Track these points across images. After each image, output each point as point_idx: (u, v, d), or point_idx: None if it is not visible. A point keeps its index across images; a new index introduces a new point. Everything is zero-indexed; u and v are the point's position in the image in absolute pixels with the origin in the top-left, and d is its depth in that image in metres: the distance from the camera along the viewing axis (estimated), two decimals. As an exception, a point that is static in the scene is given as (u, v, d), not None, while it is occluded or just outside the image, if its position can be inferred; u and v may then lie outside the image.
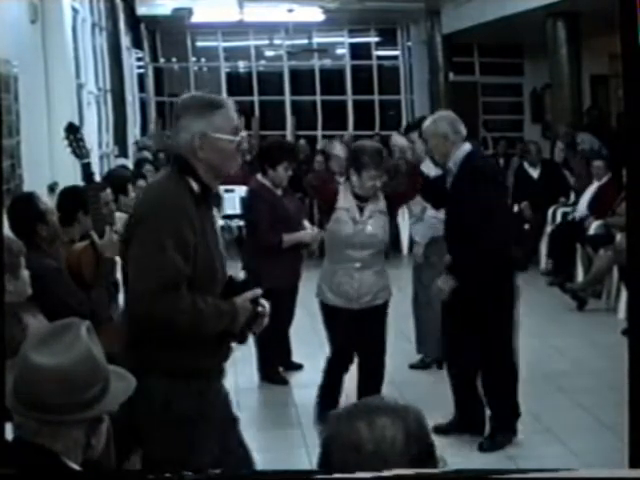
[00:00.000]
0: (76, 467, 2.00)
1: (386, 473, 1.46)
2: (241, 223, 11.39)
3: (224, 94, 16.25)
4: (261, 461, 4.64)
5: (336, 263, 4.96)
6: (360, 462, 1.47)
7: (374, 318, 4.94)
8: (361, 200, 4.91)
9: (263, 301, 3.05)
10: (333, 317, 4.98)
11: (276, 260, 5.65)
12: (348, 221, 4.90)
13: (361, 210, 4.92)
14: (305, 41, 16.31)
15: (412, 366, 6.33)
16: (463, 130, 4.96)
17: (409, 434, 1.50)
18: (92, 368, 2.01)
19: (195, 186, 2.92)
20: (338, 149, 9.77)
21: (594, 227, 8.53)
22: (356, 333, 4.93)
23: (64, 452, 1.97)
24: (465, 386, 4.93)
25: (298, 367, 6.32)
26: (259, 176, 6.17)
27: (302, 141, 14.53)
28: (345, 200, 4.94)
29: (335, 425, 1.54)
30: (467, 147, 4.92)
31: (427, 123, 5.05)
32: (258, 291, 3.01)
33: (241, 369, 6.27)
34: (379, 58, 16.51)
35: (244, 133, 13.31)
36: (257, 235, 5.96)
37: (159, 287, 2.79)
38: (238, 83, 16.53)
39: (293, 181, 7.26)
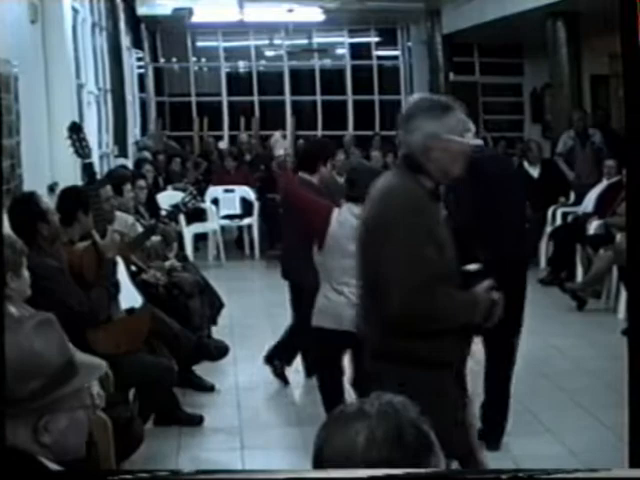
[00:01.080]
0: (53, 465, 1.97)
1: (382, 471, 1.46)
2: (241, 223, 11.41)
3: (224, 94, 16.28)
4: (261, 460, 4.66)
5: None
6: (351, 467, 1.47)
7: None
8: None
9: (495, 292, 3.10)
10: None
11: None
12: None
13: None
14: (305, 41, 16.30)
15: None
16: (471, 127, 5.07)
17: (401, 436, 1.49)
18: (31, 362, 1.96)
19: (428, 184, 3.01)
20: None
21: (594, 227, 8.53)
22: None
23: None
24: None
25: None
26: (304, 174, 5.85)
27: (302, 141, 14.54)
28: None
29: (327, 430, 1.54)
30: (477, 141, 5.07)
31: None
32: (491, 281, 3.08)
33: (241, 369, 6.28)
34: (379, 58, 16.50)
35: (244, 133, 13.28)
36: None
37: (420, 283, 2.87)
38: (238, 83, 16.52)
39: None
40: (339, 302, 4.54)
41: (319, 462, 1.53)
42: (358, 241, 3.13)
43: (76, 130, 4.73)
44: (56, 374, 1.98)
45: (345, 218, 4.64)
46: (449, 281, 2.98)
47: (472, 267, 3.11)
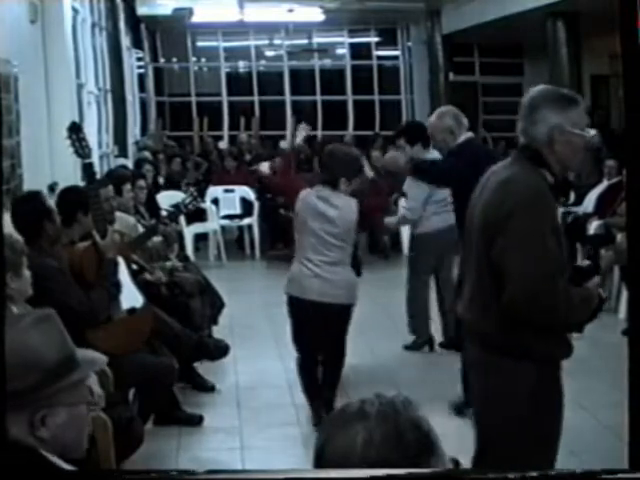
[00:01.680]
0: (63, 464, 1.98)
1: (382, 471, 1.46)
2: (241, 223, 11.41)
3: (224, 94, 16.28)
4: (261, 460, 4.66)
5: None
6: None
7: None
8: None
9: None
10: (351, 316, 5.16)
11: None
12: None
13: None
14: (305, 41, 16.31)
15: (406, 347, 6.63)
16: (466, 122, 5.34)
17: (401, 436, 1.49)
18: (25, 358, 1.97)
19: (548, 176, 3.01)
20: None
21: (594, 227, 8.52)
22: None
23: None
24: None
25: None
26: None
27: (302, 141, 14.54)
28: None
29: (327, 431, 1.54)
30: (467, 136, 5.30)
31: (432, 119, 5.36)
32: (599, 278, 3.11)
33: (241, 369, 6.28)
34: (379, 58, 16.52)
35: (244, 133, 13.27)
36: None
37: (543, 276, 2.86)
38: (238, 83, 16.53)
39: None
40: (303, 274, 4.96)
41: (319, 462, 1.53)
42: (471, 231, 3.09)
43: (76, 130, 4.73)
44: (53, 369, 1.99)
45: (310, 199, 4.95)
46: (561, 276, 2.97)
47: (584, 263, 3.15)
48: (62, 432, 1.99)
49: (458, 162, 5.15)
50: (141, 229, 5.94)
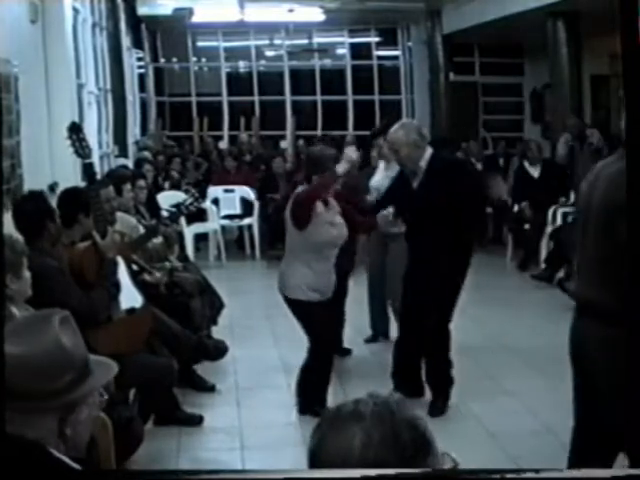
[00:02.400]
0: (64, 458, 2.00)
1: (379, 472, 1.46)
2: (242, 223, 11.41)
3: (224, 94, 16.28)
4: (261, 460, 4.66)
5: (315, 262, 5.12)
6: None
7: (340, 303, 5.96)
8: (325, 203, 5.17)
9: None
10: (312, 312, 5.17)
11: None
12: (325, 224, 5.11)
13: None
14: (305, 41, 16.30)
15: (366, 340, 6.99)
16: (427, 135, 5.44)
17: (397, 437, 1.48)
18: (61, 357, 2.01)
19: None
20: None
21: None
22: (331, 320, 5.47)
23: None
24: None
25: (347, 352, 6.61)
26: None
27: (301, 141, 14.53)
28: (319, 204, 5.14)
29: (322, 432, 1.53)
30: (430, 149, 5.33)
31: (397, 135, 5.31)
32: None
33: (241, 369, 6.28)
34: (379, 58, 16.50)
35: (244, 133, 13.30)
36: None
37: None
38: (238, 83, 16.52)
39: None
40: (285, 272, 5.23)
41: (314, 463, 1.52)
42: (589, 219, 3.23)
43: (75, 130, 4.73)
44: (83, 368, 2.05)
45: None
46: None
47: None
48: (80, 431, 2.03)
49: (426, 183, 5.22)
50: (142, 230, 5.94)
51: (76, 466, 2.00)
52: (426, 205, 5.17)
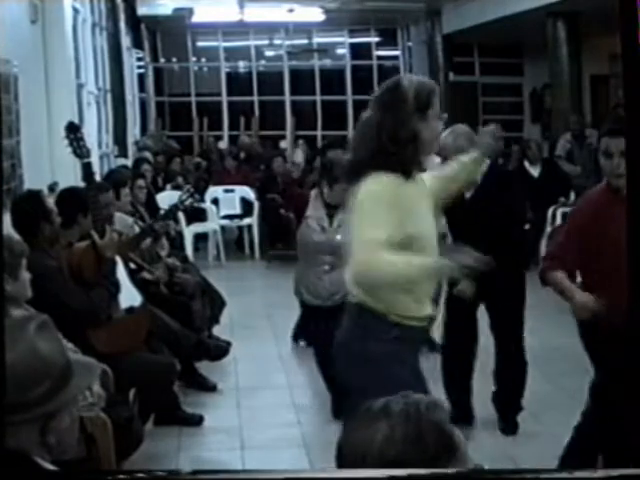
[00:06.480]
0: (49, 466, 1.96)
1: (383, 472, 1.46)
2: (241, 223, 11.41)
3: (224, 94, 16.28)
4: (261, 460, 4.66)
5: (307, 265, 5.17)
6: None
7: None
8: (331, 208, 5.10)
9: None
10: (312, 316, 5.18)
11: None
12: (317, 229, 5.11)
13: (331, 218, 5.12)
14: (305, 41, 16.31)
15: None
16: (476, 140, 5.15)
17: (420, 437, 1.49)
18: (37, 366, 1.93)
19: None
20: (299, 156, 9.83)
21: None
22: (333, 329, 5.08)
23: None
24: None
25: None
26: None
27: (301, 141, 14.53)
28: (315, 208, 5.13)
29: (352, 425, 1.54)
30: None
31: (446, 140, 4.88)
32: None
33: (241, 369, 6.28)
34: (379, 58, 16.51)
35: (245, 135, 13.29)
36: None
37: None
38: (238, 83, 16.53)
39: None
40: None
41: (339, 457, 1.53)
42: None
43: (73, 130, 4.72)
44: (60, 376, 1.96)
45: None
46: None
47: None
48: (65, 436, 1.99)
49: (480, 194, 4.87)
50: (137, 229, 5.93)
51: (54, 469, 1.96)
52: (480, 217, 4.79)
